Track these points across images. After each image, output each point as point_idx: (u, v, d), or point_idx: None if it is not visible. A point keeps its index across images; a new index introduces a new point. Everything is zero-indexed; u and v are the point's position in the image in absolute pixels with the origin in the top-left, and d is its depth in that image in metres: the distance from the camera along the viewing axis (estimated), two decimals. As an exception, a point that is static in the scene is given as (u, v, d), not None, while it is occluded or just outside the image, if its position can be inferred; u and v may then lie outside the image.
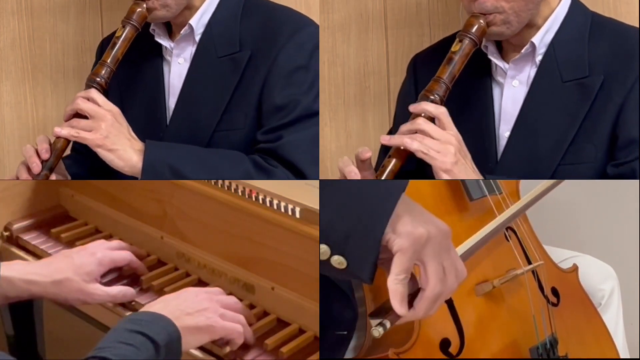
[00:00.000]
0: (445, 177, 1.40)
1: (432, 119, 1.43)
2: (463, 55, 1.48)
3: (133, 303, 1.47)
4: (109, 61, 1.58)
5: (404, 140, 1.41)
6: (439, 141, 1.41)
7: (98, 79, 1.57)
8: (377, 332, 1.08)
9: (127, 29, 1.59)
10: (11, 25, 1.95)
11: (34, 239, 1.71)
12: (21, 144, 1.96)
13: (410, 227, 1.05)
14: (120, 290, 1.45)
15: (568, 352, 1.46)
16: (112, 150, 1.52)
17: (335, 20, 1.92)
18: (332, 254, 1.03)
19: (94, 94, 1.55)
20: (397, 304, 1.05)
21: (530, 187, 1.53)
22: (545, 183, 1.50)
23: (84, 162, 1.74)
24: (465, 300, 1.38)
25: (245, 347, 1.36)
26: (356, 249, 1.02)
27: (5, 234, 1.71)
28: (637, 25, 1.62)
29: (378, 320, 1.08)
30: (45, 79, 1.97)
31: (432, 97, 1.45)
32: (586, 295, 1.59)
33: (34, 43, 1.96)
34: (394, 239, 1.04)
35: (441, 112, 1.43)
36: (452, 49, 1.49)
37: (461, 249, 1.23)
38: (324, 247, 1.03)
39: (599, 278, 1.73)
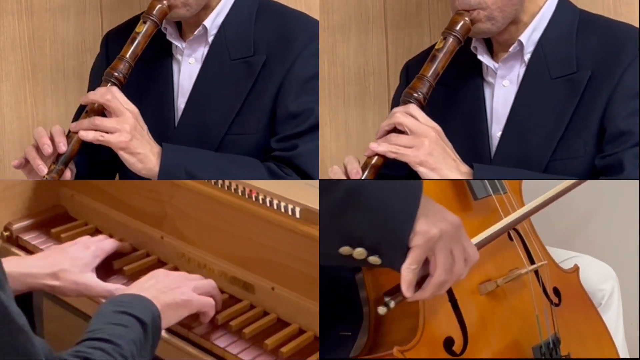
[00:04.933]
0: (421, 169, 1.41)
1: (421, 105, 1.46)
2: (447, 52, 1.49)
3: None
4: (127, 56, 1.55)
5: (371, 146, 1.44)
6: (413, 135, 1.42)
7: (117, 74, 1.54)
8: (382, 310, 1.26)
9: (148, 24, 1.56)
10: (11, 25, 1.94)
11: (34, 239, 1.71)
12: (21, 144, 1.96)
13: (426, 227, 1.20)
14: (117, 288, 1.47)
15: (570, 352, 1.47)
16: (134, 153, 1.51)
17: (335, 20, 1.92)
18: (368, 255, 1.21)
19: (116, 91, 1.53)
20: (405, 288, 1.22)
21: (532, 187, 1.53)
22: (566, 182, 1.49)
23: (87, 152, 1.71)
24: (468, 299, 1.38)
25: (216, 327, 1.41)
26: (389, 250, 1.21)
27: (5, 234, 1.72)
28: (638, 25, 1.62)
29: (385, 300, 1.27)
30: (45, 79, 1.97)
31: (415, 95, 1.46)
32: (587, 296, 1.59)
33: (34, 43, 1.96)
34: (412, 237, 1.20)
35: (411, 110, 1.44)
36: (436, 46, 1.50)
37: (475, 239, 1.35)
38: (360, 250, 1.21)
39: (599, 278, 1.73)
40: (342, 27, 1.92)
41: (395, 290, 1.25)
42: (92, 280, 1.47)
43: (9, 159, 1.96)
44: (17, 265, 1.43)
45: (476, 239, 1.34)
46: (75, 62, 1.97)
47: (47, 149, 1.51)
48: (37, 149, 1.52)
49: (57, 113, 1.97)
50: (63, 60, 1.97)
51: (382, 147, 1.43)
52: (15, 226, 1.72)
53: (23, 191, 1.77)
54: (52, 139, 1.52)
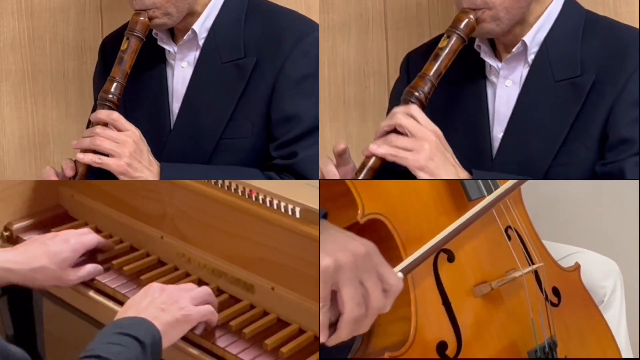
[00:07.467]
0: (421, 174, 1.39)
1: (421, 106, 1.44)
2: (450, 51, 1.47)
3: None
4: (117, 77, 1.56)
5: (371, 147, 1.42)
6: (413, 138, 1.41)
7: (110, 97, 1.55)
8: None
9: (132, 41, 1.57)
10: (11, 25, 1.95)
11: (34, 239, 1.71)
12: (21, 144, 1.96)
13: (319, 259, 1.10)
14: (91, 271, 1.52)
15: (568, 353, 1.45)
16: (134, 177, 1.52)
17: (335, 20, 1.92)
18: None
19: (117, 117, 1.54)
20: (319, 333, 1.11)
21: (529, 188, 1.52)
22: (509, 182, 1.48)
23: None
24: (463, 302, 1.37)
25: (216, 327, 1.41)
26: None
27: (5, 234, 1.72)
28: (637, 26, 1.61)
29: None
30: (45, 79, 1.97)
31: (416, 94, 1.44)
32: (588, 295, 1.58)
33: (34, 43, 1.96)
34: None
35: (412, 111, 1.42)
36: (440, 45, 1.48)
37: (398, 266, 1.20)
38: None
39: (601, 275, 1.72)
40: (342, 27, 1.92)
41: None
42: (70, 275, 1.50)
43: (9, 159, 1.96)
44: None
45: (400, 266, 1.20)
46: (75, 62, 1.97)
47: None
48: None
49: (57, 113, 1.97)
50: (63, 60, 1.97)
51: (382, 149, 1.41)
52: (15, 226, 1.72)
53: (23, 191, 1.77)
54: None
